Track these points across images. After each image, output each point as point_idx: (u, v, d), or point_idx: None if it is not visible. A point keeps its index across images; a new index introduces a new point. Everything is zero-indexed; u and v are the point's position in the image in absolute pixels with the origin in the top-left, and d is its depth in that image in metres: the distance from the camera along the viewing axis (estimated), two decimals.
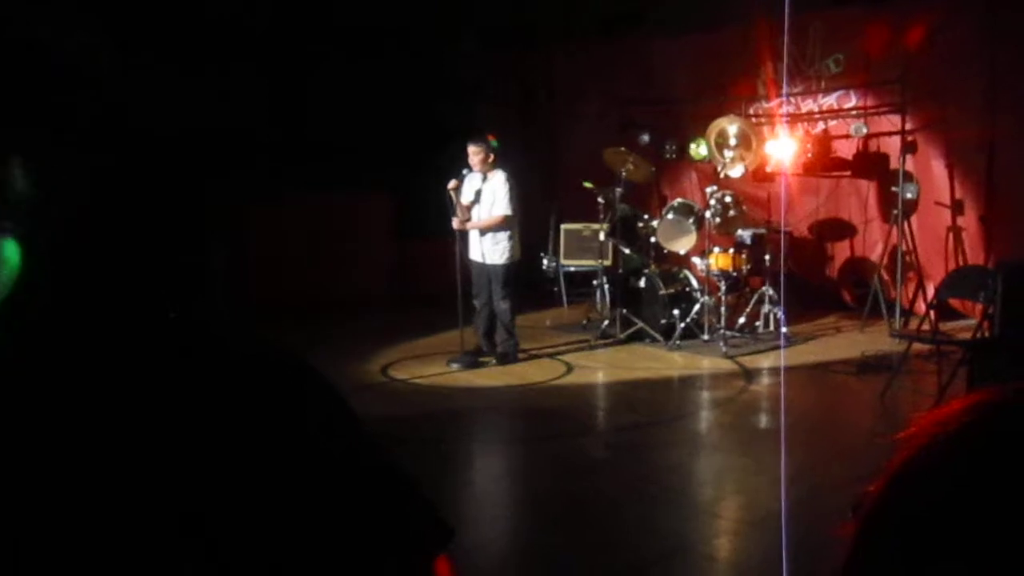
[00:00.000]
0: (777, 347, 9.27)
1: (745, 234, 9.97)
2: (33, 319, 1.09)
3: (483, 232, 8.50)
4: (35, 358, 1.07)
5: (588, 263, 11.24)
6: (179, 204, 1.21)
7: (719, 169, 9.73)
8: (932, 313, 7.89)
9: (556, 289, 11.76)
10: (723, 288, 9.50)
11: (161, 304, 1.14)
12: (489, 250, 8.50)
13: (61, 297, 1.09)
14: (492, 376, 8.46)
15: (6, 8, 1.02)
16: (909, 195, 9.94)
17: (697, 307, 9.44)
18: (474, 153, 8.39)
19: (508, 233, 8.50)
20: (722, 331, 9.20)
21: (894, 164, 10.21)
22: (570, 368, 8.71)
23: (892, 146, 10.36)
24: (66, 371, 1.06)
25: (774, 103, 11.53)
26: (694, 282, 9.67)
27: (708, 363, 8.83)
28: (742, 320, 9.67)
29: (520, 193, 8.62)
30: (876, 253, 10.47)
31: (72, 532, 1.01)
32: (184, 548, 1.00)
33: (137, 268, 1.14)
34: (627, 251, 10.12)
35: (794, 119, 11.23)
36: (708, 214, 9.44)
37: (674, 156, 11.67)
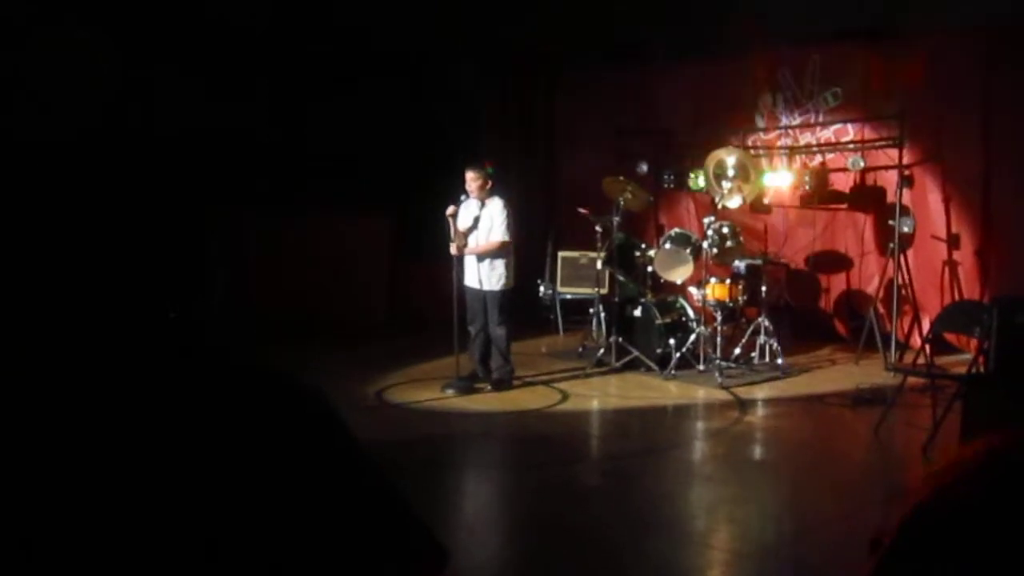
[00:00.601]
0: (772, 378, 9.28)
1: (742, 265, 9.99)
2: (31, 323, 1.09)
3: (480, 258, 8.52)
4: (33, 362, 1.07)
5: (584, 291, 11.26)
6: (177, 207, 1.22)
7: (717, 200, 9.76)
8: (927, 347, 7.90)
9: (552, 316, 11.77)
10: (719, 318, 9.51)
11: (160, 306, 1.14)
12: (486, 276, 8.51)
13: (59, 300, 1.10)
14: (487, 402, 8.45)
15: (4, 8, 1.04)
16: (905, 229, 9.98)
17: (693, 337, 9.44)
18: (472, 179, 8.42)
19: (505, 260, 8.51)
20: (717, 361, 9.20)
21: (891, 198, 10.24)
22: (565, 396, 8.70)
23: (889, 180, 10.40)
24: (65, 375, 1.07)
25: (772, 135, 11.59)
26: (690, 312, 9.68)
27: (703, 393, 8.82)
28: (737, 351, 9.67)
29: (517, 219, 8.64)
30: (872, 286, 10.48)
31: (75, 531, 1.01)
32: (185, 550, 1.01)
33: (136, 269, 1.15)
34: (624, 279, 10.13)
35: (792, 151, 11.28)
36: (705, 244, 9.46)
37: (672, 186, 11.70)
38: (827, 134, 11.05)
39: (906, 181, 10.09)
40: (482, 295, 8.56)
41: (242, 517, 1.04)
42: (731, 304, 9.60)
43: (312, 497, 1.08)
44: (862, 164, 10.39)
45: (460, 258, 8.63)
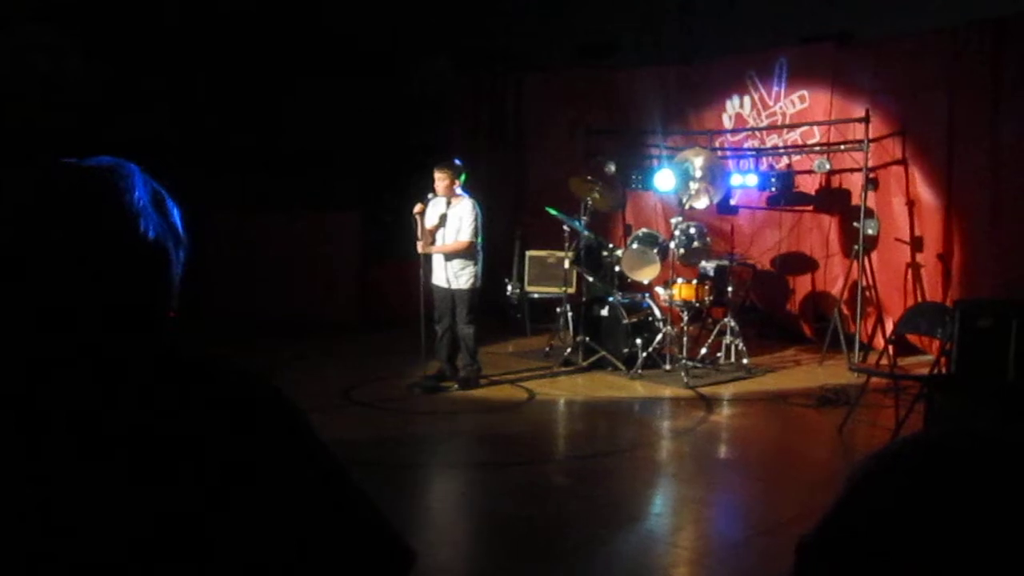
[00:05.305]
0: (738, 378, 9.33)
1: (708, 265, 10.05)
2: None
3: (448, 257, 8.50)
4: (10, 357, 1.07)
5: (552, 290, 11.27)
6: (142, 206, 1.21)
7: (684, 200, 9.80)
8: (890, 348, 7.98)
9: (519, 315, 11.77)
10: (685, 318, 9.55)
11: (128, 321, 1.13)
12: (455, 275, 8.49)
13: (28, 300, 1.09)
14: (454, 401, 8.44)
15: None
16: (870, 231, 10.07)
17: (659, 337, 9.49)
18: (440, 179, 8.40)
19: (475, 259, 8.50)
20: (684, 361, 9.24)
21: (856, 200, 10.34)
22: (532, 395, 8.71)
23: (854, 182, 10.50)
24: (41, 372, 1.06)
25: (740, 136, 11.67)
26: (657, 312, 9.72)
27: (669, 392, 8.86)
28: (704, 350, 9.73)
29: (486, 219, 8.63)
30: (837, 287, 10.58)
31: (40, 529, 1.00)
32: (161, 553, 1.00)
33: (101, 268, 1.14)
34: (591, 279, 10.15)
35: (759, 153, 11.36)
36: (672, 244, 9.50)
37: (640, 186, 11.75)
38: (794, 136, 11.14)
39: (871, 184, 10.19)
40: (451, 294, 8.55)
41: (205, 520, 1.03)
42: (698, 304, 9.65)
43: (275, 499, 1.08)
44: (828, 166, 10.48)
45: (428, 257, 8.61)
